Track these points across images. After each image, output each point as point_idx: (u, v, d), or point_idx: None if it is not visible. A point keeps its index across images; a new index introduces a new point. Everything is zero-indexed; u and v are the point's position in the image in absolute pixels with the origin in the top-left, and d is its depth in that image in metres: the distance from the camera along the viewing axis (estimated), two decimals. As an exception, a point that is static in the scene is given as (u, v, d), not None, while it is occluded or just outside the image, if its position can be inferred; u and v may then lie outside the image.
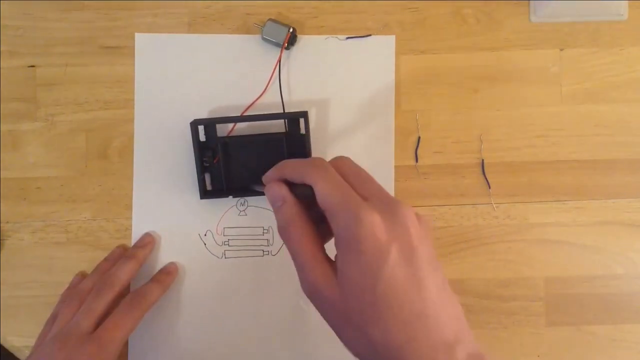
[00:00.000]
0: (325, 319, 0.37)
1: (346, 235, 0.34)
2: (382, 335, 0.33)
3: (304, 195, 0.38)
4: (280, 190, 0.39)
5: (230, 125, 0.58)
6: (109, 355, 0.47)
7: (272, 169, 0.41)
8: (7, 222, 0.59)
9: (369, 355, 0.35)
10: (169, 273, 0.56)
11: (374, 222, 0.33)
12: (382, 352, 0.33)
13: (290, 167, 0.40)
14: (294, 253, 0.37)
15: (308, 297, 0.36)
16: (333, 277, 0.35)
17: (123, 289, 0.53)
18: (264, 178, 0.42)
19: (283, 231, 0.38)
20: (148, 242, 0.57)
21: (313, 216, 0.39)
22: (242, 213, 0.58)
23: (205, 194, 0.57)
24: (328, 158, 0.57)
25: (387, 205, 0.35)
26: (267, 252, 0.58)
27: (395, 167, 0.58)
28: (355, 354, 0.36)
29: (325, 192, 0.36)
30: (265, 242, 0.58)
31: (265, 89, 0.58)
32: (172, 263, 0.57)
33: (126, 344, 0.58)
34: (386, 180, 0.58)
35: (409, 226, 0.34)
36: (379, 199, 0.35)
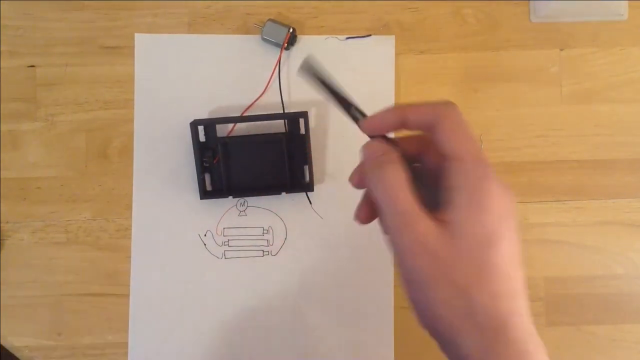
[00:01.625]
0: (418, 278, 0.32)
1: (477, 187, 0.32)
2: (489, 300, 0.31)
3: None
4: (383, 146, 0.35)
5: (230, 125, 0.58)
6: None
7: (388, 109, 0.36)
8: (7, 222, 0.58)
9: (459, 320, 0.32)
10: None
11: (502, 187, 0.32)
12: (481, 320, 0.31)
13: (417, 106, 0.35)
14: (397, 199, 0.32)
15: (407, 249, 0.32)
16: (443, 229, 0.32)
17: None
18: (373, 117, 0.37)
19: (383, 172, 0.33)
20: None
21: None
22: (242, 213, 0.58)
23: (205, 194, 0.57)
24: (328, 157, 0.58)
25: (503, 182, 0.33)
26: (267, 253, 0.58)
27: (395, 167, 0.58)
28: (438, 319, 0.32)
29: (460, 138, 0.33)
30: (265, 243, 0.58)
31: (265, 89, 0.58)
32: None
33: (125, 344, 0.58)
34: (386, 180, 0.58)
35: (516, 208, 0.33)
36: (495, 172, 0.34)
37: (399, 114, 0.36)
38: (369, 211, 0.37)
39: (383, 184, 0.33)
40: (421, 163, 0.36)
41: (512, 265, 0.32)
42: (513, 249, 0.32)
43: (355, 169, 0.37)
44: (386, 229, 0.34)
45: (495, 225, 0.31)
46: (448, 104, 0.34)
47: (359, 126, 0.37)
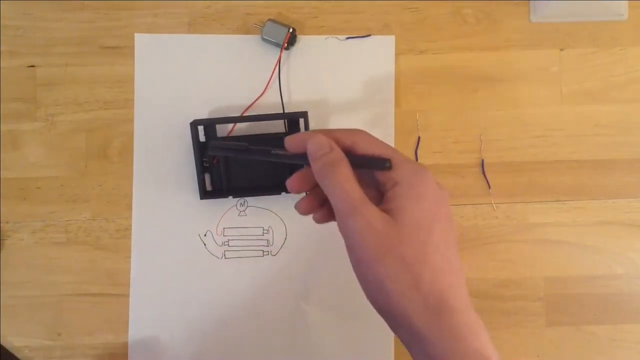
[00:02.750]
0: (366, 256, 0.37)
1: (414, 179, 0.37)
2: (431, 275, 0.36)
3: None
4: (327, 140, 0.38)
5: (230, 125, 0.58)
6: None
7: (316, 131, 0.41)
8: (7, 222, 0.59)
9: (406, 295, 0.36)
10: None
11: (434, 181, 0.38)
12: (425, 293, 0.35)
13: (337, 130, 0.40)
14: (346, 191, 0.37)
15: (358, 231, 0.37)
16: (386, 215, 0.36)
17: None
18: (299, 135, 0.40)
19: (332, 169, 0.37)
20: None
21: None
22: (242, 213, 0.58)
23: (205, 194, 0.57)
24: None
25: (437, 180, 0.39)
26: (267, 253, 0.58)
27: (395, 167, 0.58)
28: (387, 293, 0.36)
29: (383, 145, 0.39)
30: (265, 243, 0.58)
31: (265, 89, 0.58)
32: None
33: (125, 344, 0.58)
34: (386, 180, 0.58)
35: (448, 203, 0.39)
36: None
37: (325, 133, 0.40)
38: (310, 204, 0.42)
39: (334, 179, 0.37)
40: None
41: (447, 245, 0.37)
42: (448, 231, 0.37)
43: (295, 174, 0.41)
44: (338, 219, 0.38)
45: (433, 210, 0.37)
46: (358, 130, 0.40)
47: (286, 146, 0.40)
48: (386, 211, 0.37)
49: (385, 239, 0.36)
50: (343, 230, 0.38)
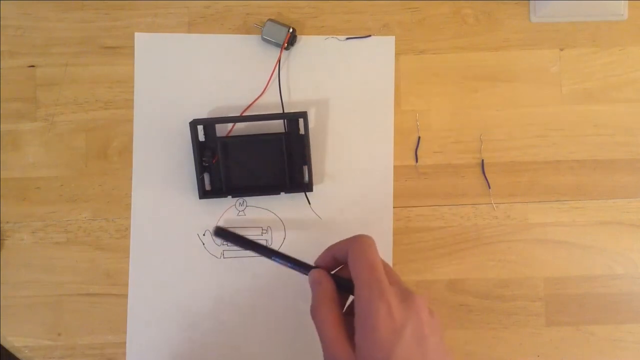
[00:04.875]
0: None
1: (365, 309, 0.37)
2: None
3: (339, 281, 0.43)
4: (319, 273, 0.43)
5: (230, 125, 0.58)
6: None
7: (322, 253, 0.46)
8: (7, 222, 0.59)
9: None
10: None
11: (392, 304, 0.37)
12: None
13: (338, 244, 0.44)
14: (320, 330, 0.40)
15: None
16: (352, 353, 0.37)
17: None
18: (316, 261, 0.46)
19: (314, 310, 0.41)
20: None
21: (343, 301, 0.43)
22: (241, 213, 0.58)
23: (204, 194, 0.57)
24: (328, 157, 0.58)
25: (405, 292, 0.39)
26: (266, 252, 0.58)
27: (395, 167, 0.58)
28: None
29: (358, 264, 0.39)
30: (263, 242, 0.58)
31: (265, 89, 0.58)
32: None
33: (124, 344, 0.58)
34: (385, 181, 0.58)
35: (422, 315, 0.37)
36: (399, 286, 0.39)
37: (328, 252, 0.44)
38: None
39: (315, 317, 0.41)
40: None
41: None
42: (410, 356, 0.36)
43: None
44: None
45: (385, 343, 0.36)
46: (356, 237, 0.42)
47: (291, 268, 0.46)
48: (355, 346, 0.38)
49: None
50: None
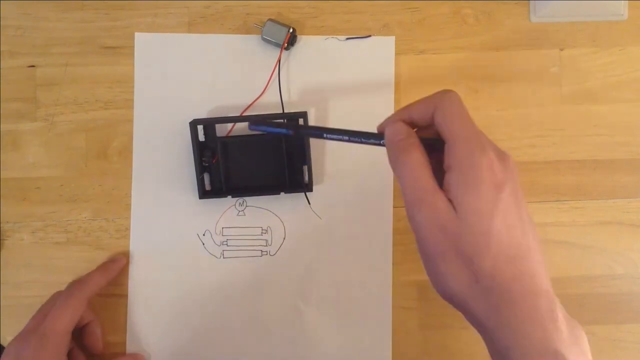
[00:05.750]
0: (429, 251, 0.36)
1: (466, 163, 0.35)
2: (491, 267, 0.34)
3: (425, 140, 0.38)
4: (404, 126, 0.38)
5: (230, 125, 0.58)
6: (52, 346, 0.50)
7: (395, 112, 0.40)
8: (7, 222, 0.59)
9: (467, 289, 0.35)
10: (114, 261, 0.57)
11: (493, 159, 0.35)
12: (485, 286, 0.34)
13: (417, 103, 0.39)
14: (415, 179, 0.36)
15: (422, 224, 0.36)
16: (451, 206, 0.35)
17: (84, 295, 0.54)
18: (386, 120, 0.40)
19: (403, 156, 0.37)
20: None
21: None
22: (241, 213, 0.58)
23: (204, 193, 0.57)
24: (328, 157, 0.58)
25: (500, 151, 0.36)
26: (265, 253, 0.58)
27: (395, 167, 0.58)
28: (449, 289, 0.36)
29: (451, 120, 0.36)
30: (263, 243, 0.58)
31: (265, 89, 0.58)
32: (120, 254, 0.58)
33: (124, 344, 0.58)
34: (385, 181, 0.58)
35: (516, 175, 0.36)
36: (492, 145, 0.37)
37: (402, 113, 0.39)
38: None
39: (405, 165, 0.36)
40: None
41: (511, 231, 0.35)
42: (512, 213, 0.35)
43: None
44: (406, 210, 0.36)
45: (490, 195, 0.34)
46: (444, 92, 0.38)
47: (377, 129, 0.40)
48: (450, 200, 0.35)
49: (446, 233, 0.35)
50: (410, 222, 0.37)
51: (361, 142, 0.40)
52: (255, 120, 0.41)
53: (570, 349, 0.34)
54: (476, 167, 0.34)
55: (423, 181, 0.36)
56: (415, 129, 0.39)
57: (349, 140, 0.40)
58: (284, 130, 0.41)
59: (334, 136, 0.40)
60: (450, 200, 0.35)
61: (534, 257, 0.35)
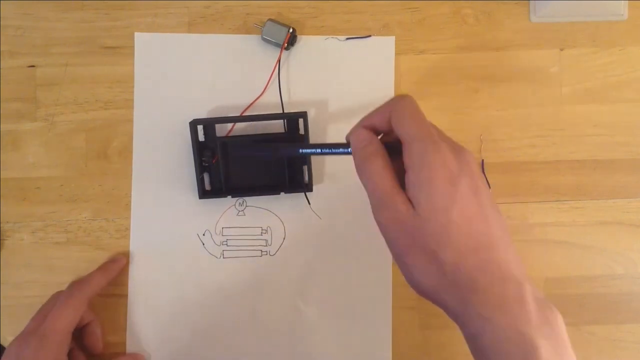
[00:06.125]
0: (396, 250, 0.38)
1: (419, 163, 0.36)
2: (454, 258, 0.35)
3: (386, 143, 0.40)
4: (367, 133, 0.40)
5: (230, 125, 0.58)
6: (52, 346, 0.50)
7: (359, 120, 0.42)
8: (7, 222, 0.59)
9: (436, 282, 0.36)
10: (114, 261, 0.57)
11: (446, 155, 0.36)
12: (451, 278, 0.36)
13: (376, 110, 0.40)
14: (375, 184, 0.38)
15: (385, 225, 0.38)
16: (410, 205, 0.36)
17: (84, 295, 0.54)
18: (351, 129, 0.42)
19: (363, 164, 0.39)
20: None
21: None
22: (241, 213, 0.58)
23: (204, 193, 0.57)
24: (328, 157, 0.58)
25: (456, 146, 0.38)
26: (265, 253, 0.58)
27: (395, 167, 0.58)
28: (419, 284, 0.37)
29: (405, 122, 0.38)
30: (263, 243, 0.58)
31: (265, 89, 0.58)
32: (120, 254, 0.58)
33: (124, 344, 0.58)
34: (386, 180, 0.58)
35: (473, 167, 0.37)
36: (449, 141, 0.38)
37: (365, 121, 0.41)
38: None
39: (366, 172, 0.38)
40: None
41: (472, 222, 0.36)
42: (469, 207, 0.36)
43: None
44: (372, 211, 0.38)
45: (444, 191, 0.35)
46: (398, 97, 0.40)
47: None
48: (410, 199, 0.37)
49: (407, 231, 0.36)
50: (378, 225, 0.38)
51: (332, 153, 0.43)
52: (235, 147, 0.47)
53: (539, 330, 0.35)
54: (429, 165, 0.36)
55: (383, 185, 0.37)
56: (381, 135, 0.41)
57: (321, 153, 0.43)
58: (264, 154, 0.48)
59: (308, 151, 0.44)
60: (410, 200, 0.36)
61: (499, 245, 0.36)
